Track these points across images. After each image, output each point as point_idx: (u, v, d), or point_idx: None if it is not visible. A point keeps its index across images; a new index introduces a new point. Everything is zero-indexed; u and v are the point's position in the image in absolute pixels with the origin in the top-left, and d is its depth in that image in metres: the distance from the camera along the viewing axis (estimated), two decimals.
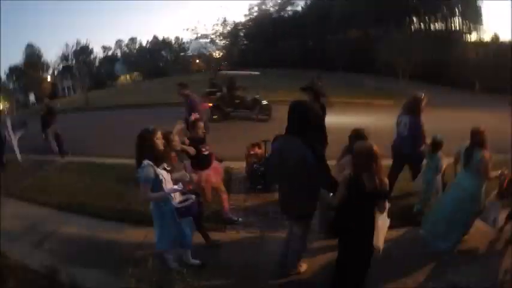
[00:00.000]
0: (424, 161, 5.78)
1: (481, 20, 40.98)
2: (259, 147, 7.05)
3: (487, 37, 40.59)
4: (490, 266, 4.54)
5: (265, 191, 6.59)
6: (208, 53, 58.38)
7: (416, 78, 29.23)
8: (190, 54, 61.72)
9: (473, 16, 40.82)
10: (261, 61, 44.74)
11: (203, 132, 5.32)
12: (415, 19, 42.95)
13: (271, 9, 55.20)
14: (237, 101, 15.75)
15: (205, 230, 4.78)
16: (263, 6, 55.06)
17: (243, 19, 57.38)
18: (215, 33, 56.10)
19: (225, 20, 56.31)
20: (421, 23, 43.06)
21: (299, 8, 54.88)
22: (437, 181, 5.69)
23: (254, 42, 54.08)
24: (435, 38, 36.72)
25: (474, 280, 4.15)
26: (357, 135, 4.26)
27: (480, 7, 40.37)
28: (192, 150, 5.02)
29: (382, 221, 3.66)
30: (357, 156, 3.24)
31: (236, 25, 56.97)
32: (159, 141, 3.77)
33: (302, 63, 42.33)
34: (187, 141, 5.05)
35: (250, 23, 55.84)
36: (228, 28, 56.79)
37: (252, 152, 7.06)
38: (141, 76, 60.82)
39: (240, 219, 5.66)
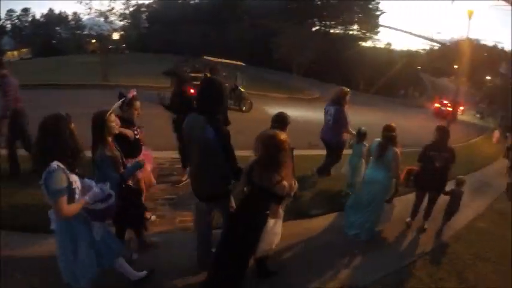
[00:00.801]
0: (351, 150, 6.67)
1: (377, 31, 44.67)
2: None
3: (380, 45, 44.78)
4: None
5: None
6: (106, 34, 53.57)
7: (309, 75, 30.71)
8: (87, 33, 56.39)
9: (370, 26, 44.25)
10: (161, 46, 42.82)
11: (138, 114, 4.52)
12: (317, 21, 44.60)
13: None
14: None
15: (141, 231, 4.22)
16: None
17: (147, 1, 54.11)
18: (111, 10, 51.10)
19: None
20: (322, 26, 45.09)
21: None
22: (361, 168, 6.40)
23: (156, 25, 51.06)
24: (333, 40, 38.75)
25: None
26: (280, 118, 4.30)
27: (378, 19, 45.26)
28: (131, 134, 4.29)
29: (273, 226, 3.37)
30: (262, 146, 2.99)
31: (139, 6, 53.42)
32: (71, 131, 2.76)
33: (203, 51, 41.31)
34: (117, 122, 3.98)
35: (155, 5, 52.88)
36: (131, 9, 52.88)
37: None
38: (30, 53, 53.29)
39: (152, 216, 5.16)
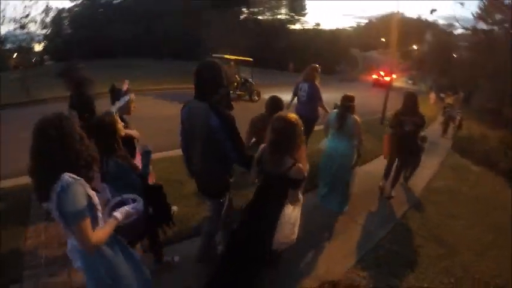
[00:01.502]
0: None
1: (304, 13, 45.13)
2: None
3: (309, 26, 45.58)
4: None
5: None
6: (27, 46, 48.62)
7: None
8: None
9: (298, 9, 44.42)
10: (88, 51, 40.08)
11: (134, 107, 3.85)
12: (244, 8, 44.03)
13: None
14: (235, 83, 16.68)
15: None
16: None
17: (67, 5, 49.77)
18: (26, 16, 46.32)
19: (47, 7, 47.92)
20: (250, 13, 44.53)
21: None
22: None
23: (80, 30, 46.34)
24: (262, 25, 38.59)
25: None
26: (273, 102, 4.46)
27: (305, 2, 44.24)
28: (136, 133, 3.67)
29: (290, 215, 3.04)
30: (274, 129, 2.73)
31: (60, 11, 48.83)
32: (80, 134, 1.98)
33: (133, 51, 39.53)
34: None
35: (77, 8, 49.37)
36: (51, 15, 48.65)
37: None
38: None
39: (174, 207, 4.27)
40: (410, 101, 5.77)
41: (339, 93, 5.40)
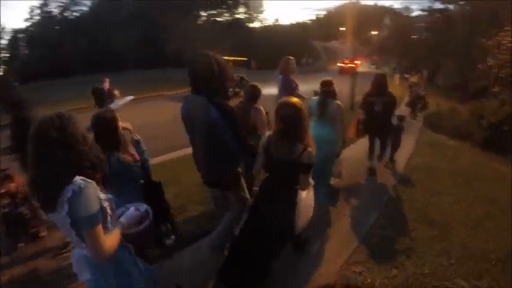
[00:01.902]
0: None
1: (262, 10, 44.89)
2: (12, 180, 4.27)
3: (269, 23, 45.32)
4: None
5: None
6: None
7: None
8: None
9: (256, 7, 44.15)
10: (47, 70, 38.45)
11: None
12: (202, 11, 43.36)
13: (55, 10, 47.07)
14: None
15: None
16: (45, 8, 46.37)
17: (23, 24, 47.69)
18: None
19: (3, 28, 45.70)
20: (210, 16, 43.85)
21: (85, 8, 48.63)
22: None
23: (37, 50, 44.50)
24: (221, 26, 38.14)
25: None
26: (253, 91, 4.59)
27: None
28: (130, 127, 3.33)
29: (306, 198, 2.99)
30: (282, 116, 2.72)
31: (16, 32, 46.66)
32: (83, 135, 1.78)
33: (92, 66, 38.19)
34: None
35: (32, 28, 47.51)
36: (7, 38, 46.21)
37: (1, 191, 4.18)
38: None
39: None
40: (379, 82, 5.87)
41: (307, 85, 5.39)
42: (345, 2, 79.34)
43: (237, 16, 44.78)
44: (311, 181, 2.97)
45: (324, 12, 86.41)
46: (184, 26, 31.44)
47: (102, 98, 3.58)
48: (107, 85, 3.38)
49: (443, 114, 12.70)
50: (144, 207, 2.19)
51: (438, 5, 35.68)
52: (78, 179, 1.63)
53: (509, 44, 10.37)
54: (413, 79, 15.18)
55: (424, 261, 3.75)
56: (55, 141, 1.60)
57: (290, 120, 2.68)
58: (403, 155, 7.51)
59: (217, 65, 2.71)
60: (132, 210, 2.09)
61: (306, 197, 2.96)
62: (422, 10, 40.13)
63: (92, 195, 1.67)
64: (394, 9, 60.34)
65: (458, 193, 5.70)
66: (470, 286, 3.39)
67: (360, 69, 34.06)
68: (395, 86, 20.57)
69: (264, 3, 45.75)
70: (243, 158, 3.13)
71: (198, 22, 40.33)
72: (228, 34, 36.46)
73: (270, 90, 7.04)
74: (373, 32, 50.55)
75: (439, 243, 4.10)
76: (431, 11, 36.27)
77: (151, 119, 10.88)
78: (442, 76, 25.69)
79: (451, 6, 33.95)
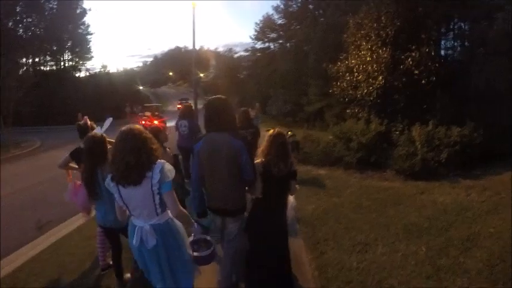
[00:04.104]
0: None
1: (91, 56, 39.89)
2: None
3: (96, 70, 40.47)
4: None
5: None
6: None
7: (19, 123, 23.28)
8: None
9: (83, 51, 38.92)
10: None
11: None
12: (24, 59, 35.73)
13: None
14: None
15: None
16: None
17: None
18: None
19: None
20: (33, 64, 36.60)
21: None
22: None
23: None
24: (45, 76, 32.19)
25: None
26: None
27: (89, 43, 39.13)
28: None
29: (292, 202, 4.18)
30: (273, 143, 3.18)
31: None
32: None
33: None
34: None
35: None
36: None
37: None
38: None
39: None
40: (244, 116, 5.97)
41: None
42: (170, 48, 79.62)
43: (63, 65, 38.43)
44: (297, 186, 3.39)
45: (151, 59, 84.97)
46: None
47: (87, 131, 3.81)
48: (87, 121, 3.99)
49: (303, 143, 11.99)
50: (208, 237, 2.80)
51: (260, 45, 38.32)
52: (160, 160, 2.39)
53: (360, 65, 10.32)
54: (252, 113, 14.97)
55: None
56: (146, 139, 2.38)
57: (285, 145, 3.18)
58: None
59: (232, 107, 3.21)
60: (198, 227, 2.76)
61: (292, 200, 4.20)
62: (245, 50, 42.53)
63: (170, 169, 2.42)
64: (219, 52, 62.85)
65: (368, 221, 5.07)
66: None
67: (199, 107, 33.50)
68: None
69: (92, 49, 40.15)
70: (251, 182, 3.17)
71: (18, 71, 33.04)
72: (51, 85, 30.64)
73: None
74: (200, 74, 51.19)
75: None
76: (253, 50, 38.52)
77: None
78: (275, 106, 26.47)
79: (271, 45, 36.72)
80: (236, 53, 57.86)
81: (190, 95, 37.94)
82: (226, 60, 49.96)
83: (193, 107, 7.80)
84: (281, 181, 3.18)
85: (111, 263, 3.64)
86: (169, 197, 2.33)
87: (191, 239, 2.64)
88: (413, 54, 9.45)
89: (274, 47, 37.74)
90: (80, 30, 37.88)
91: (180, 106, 35.63)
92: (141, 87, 46.91)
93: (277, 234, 3.30)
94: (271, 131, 3.25)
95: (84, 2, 37.97)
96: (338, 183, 7.49)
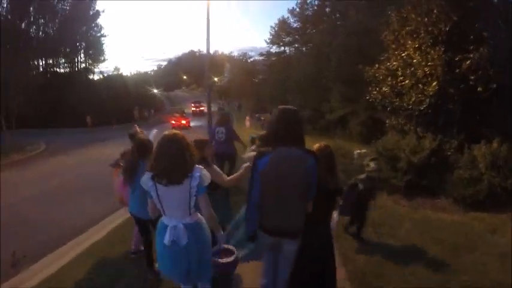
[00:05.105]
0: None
1: (104, 59, 39.09)
2: None
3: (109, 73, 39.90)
4: None
5: None
6: None
7: (24, 125, 22.03)
8: None
9: (97, 53, 38.04)
10: None
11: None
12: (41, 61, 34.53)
13: None
14: None
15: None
16: None
17: None
18: None
19: None
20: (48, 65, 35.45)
21: None
22: None
23: None
24: (59, 79, 31.47)
25: None
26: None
27: (103, 45, 38.18)
28: None
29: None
30: (321, 156, 3.02)
31: None
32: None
33: None
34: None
35: None
36: None
37: None
38: None
39: None
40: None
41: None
42: (185, 52, 79.07)
43: (76, 66, 37.42)
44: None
45: (165, 63, 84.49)
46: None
47: (137, 135, 4.31)
48: (138, 129, 4.57)
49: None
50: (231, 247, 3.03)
51: (275, 49, 37.17)
52: (198, 166, 2.52)
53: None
54: (267, 118, 14.99)
55: None
56: (188, 144, 2.52)
57: (333, 157, 3.13)
58: None
59: (301, 117, 2.96)
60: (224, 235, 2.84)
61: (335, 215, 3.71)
62: (260, 54, 41.49)
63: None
64: (233, 56, 62.10)
65: None
66: None
67: (213, 109, 32.68)
68: (246, 130, 19.27)
69: (106, 52, 39.21)
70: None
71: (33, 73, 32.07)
72: (65, 87, 29.52)
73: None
74: (215, 79, 50.35)
75: None
76: (268, 54, 37.34)
77: None
78: None
79: (287, 49, 35.43)
80: (250, 57, 57.30)
81: (203, 99, 36.97)
82: (241, 65, 48.94)
83: (229, 117, 8.21)
84: (328, 196, 3.12)
85: (142, 248, 3.95)
86: (204, 200, 2.50)
87: (218, 247, 2.80)
88: (472, 55, 7.64)
89: (290, 51, 36.69)
90: (93, 32, 36.96)
91: (194, 109, 37.73)
92: (155, 91, 46.00)
93: (324, 248, 3.26)
94: (318, 145, 3.22)
95: (98, 3, 36.81)
96: (385, 214, 5.92)
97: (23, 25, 28.97)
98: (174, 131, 2.56)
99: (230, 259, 2.83)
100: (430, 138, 7.36)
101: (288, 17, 37.04)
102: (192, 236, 2.48)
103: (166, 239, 2.43)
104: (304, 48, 31.38)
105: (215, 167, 3.39)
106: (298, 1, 35.50)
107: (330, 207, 3.19)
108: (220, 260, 2.79)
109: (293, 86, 25.84)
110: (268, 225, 2.83)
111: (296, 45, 34.53)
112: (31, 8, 29.98)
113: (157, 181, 2.37)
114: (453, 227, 5.33)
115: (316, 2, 32.85)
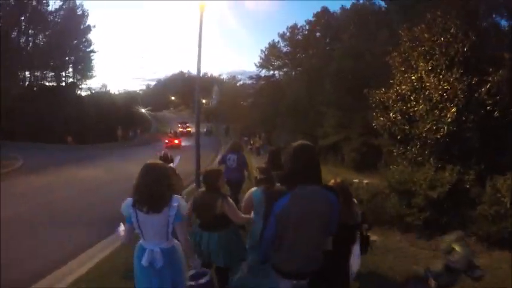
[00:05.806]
0: None
1: (93, 75, 38.16)
2: None
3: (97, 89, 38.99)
4: None
5: None
6: None
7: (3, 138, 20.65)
8: None
9: (86, 69, 37.03)
10: None
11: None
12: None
13: None
14: None
15: None
16: None
17: None
18: None
19: None
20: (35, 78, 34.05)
21: None
22: None
23: None
24: (45, 92, 30.15)
25: None
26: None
27: (92, 61, 37.31)
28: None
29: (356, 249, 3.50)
30: (345, 187, 3.23)
31: None
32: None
33: None
34: None
35: None
36: None
37: None
38: None
39: None
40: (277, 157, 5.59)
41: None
42: (174, 72, 78.57)
43: (64, 81, 36.06)
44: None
45: (154, 82, 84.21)
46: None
47: (169, 161, 4.61)
48: (168, 154, 4.91)
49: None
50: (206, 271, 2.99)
51: (264, 72, 36.81)
52: (176, 196, 2.60)
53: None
54: (257, 143, 15.68)
55: None
56: (168, 175, 2.61)
57: (347, 190, 3.25)
58: None
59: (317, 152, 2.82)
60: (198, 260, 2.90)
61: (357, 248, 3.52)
62: (249, 78, 41.20)
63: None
64: (222, 79, 61.98)
65: None
66: None
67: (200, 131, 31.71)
68: None
69: (95, 68, 38.14)
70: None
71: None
72: (52, 102, 28.14)
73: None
74: (203, 100, 49.87)
75: None
76: (258, 78, 36.95)
77: None
78: (281, 137, 24.18)
79: (276, 73, 35.04)
80: (240, 80, 57.26)
81: (190, 120, 38.24)
82: (230, 87, 48.66)
83: (241, 144, 8.57)
84: (346, 229, 3.05)
85: None
86: (180, 227, 2.60)
87: (191, 272, 2.86)
88: (491, 79, 6.83)
89: (279, 75, 36.40)
90: (83, 47, 36.07)
91: (181, 129, 37.52)
92: (143, 110, 45.12)
93: (340, 284, 3.22)
94: (333, 181, 3.22)
95: (90, 18, 35.90)
96: (405, 260, 5.00)
97: (14, 33, 28.56)
98: (156, 161, 2.69)
99: (202, 281, 2.86)
100: (449, 170, 6.41)
101: (278, 41, 37.06)
102: (167, 259, 2.59)
103: (144, 261, 2.53)
104: (293, 72, 31.08)
105: (231, 201, 3.29)
106: (289, 26, 35.83)
107: (347, 240, 3.17)
108: (193, 283, 2.83)
109: (283, 110, 25.11)
110: (284, 268, 2.65)
111: (286, 69, 34.33)
112: (22, 18, 29.30)
113: (138, 208, 2.44)
114: (486, 277, 4.36)
115: (307, 27, 32.93)
